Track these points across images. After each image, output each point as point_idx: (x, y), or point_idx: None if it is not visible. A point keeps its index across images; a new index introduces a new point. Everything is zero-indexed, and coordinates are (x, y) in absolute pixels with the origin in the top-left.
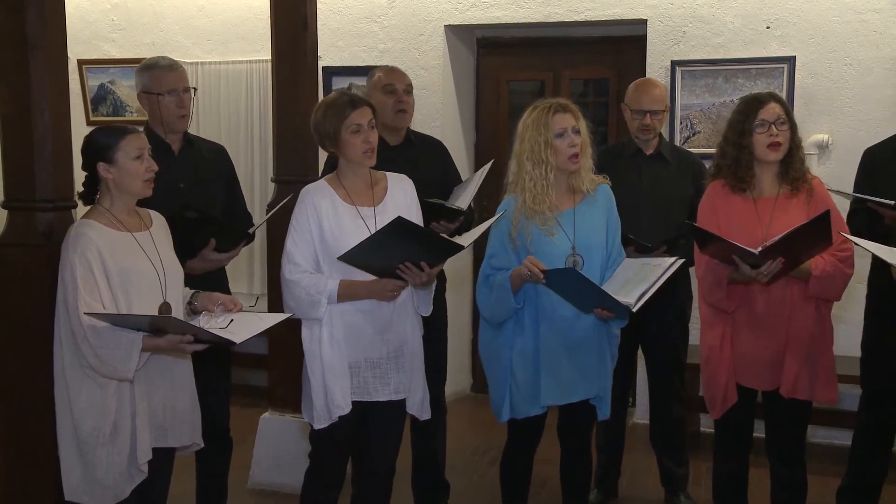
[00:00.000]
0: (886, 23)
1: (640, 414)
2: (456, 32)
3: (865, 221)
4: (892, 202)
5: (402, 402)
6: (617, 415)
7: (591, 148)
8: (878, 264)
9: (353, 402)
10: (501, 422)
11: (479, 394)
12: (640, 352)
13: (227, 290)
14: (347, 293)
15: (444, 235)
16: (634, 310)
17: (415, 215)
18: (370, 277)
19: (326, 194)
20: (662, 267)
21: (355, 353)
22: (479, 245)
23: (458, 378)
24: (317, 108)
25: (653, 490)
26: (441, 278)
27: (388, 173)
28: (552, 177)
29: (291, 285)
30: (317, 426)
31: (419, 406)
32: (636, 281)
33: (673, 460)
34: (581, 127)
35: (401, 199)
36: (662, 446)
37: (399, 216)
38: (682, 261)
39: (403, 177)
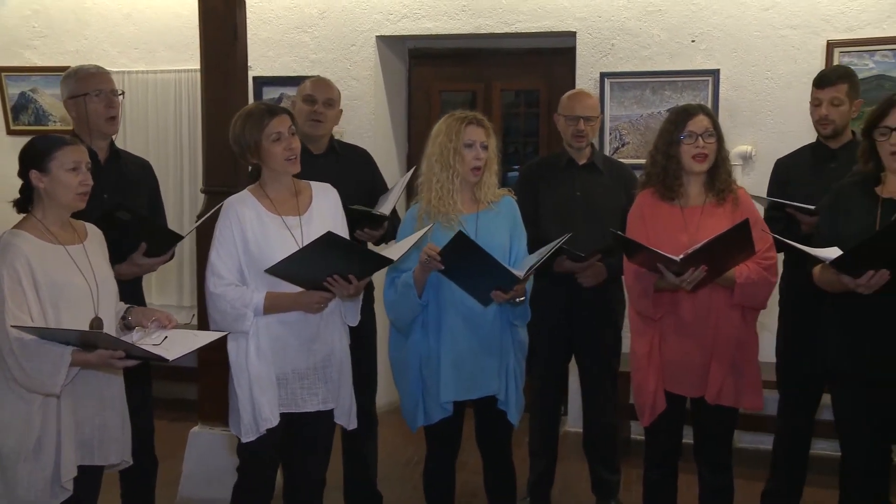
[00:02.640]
0: (804, 38)
1: (573, 422)
2: (387, 43)
3: (783, 228)
4: (812, 207)
5: (330, 413)
6: (550, 422)
7: (497, 166)
8: (787, 273)
9: (282, 414)
10: (414, 429)
11: None
12: (573, 360)
13: (141, 302)
14: (274, 305)
15: (374, 249)
16: (523, 277)
17: (340, 224)
18: (296, 289)
19: (250, 205)
20: (552, 244)
21: (283, 365)
22: None
23: (390, 388)
24: (235, 120)
25: (585, 497)
26: (370, 287)
27: (312, 182)
28: (457, 182)
29: (216, 298)
30: (244, 439)
31: (347, 416)
32: (531, 261)
33: (605, 467)
34: (490, 144)
35: (326, 208)
36: (595, 453)
37: (329, 231)
38: (569, 235)
39: (328, 186)
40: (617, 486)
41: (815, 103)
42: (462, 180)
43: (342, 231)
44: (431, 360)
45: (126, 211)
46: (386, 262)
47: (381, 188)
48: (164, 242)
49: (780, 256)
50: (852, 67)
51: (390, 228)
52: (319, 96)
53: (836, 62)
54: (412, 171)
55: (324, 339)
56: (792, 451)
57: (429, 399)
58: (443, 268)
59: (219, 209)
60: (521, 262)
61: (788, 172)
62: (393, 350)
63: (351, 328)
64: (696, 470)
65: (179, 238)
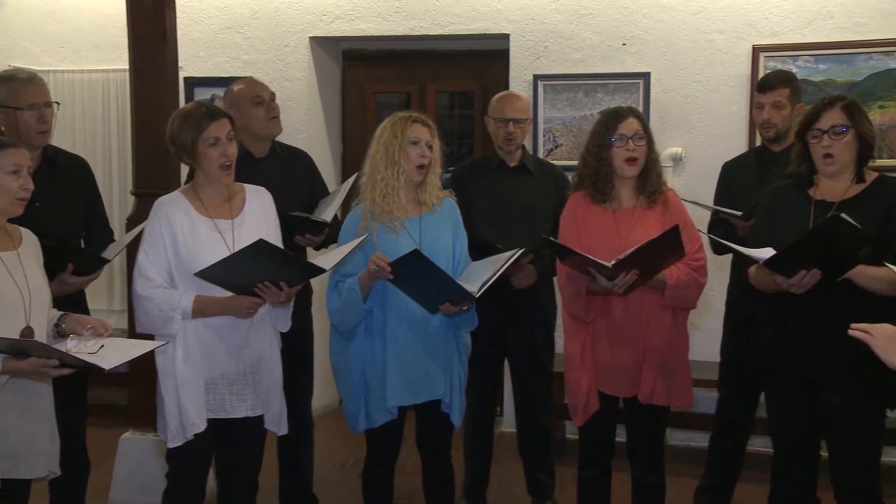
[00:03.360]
0: (730, 43)
1: (508, 423)
2: (321, 44)
3: (723, 233)
4: (740, 213)
5: (259, 419)
6: (485, 424)
7: (440, 168)
8: (734, 273)
9: (210, 420)
10: (357, 432)
11: None
12: (506, 362)
13: (85, 309)
14: (203, 309)
15: (321, 253)
16: (477, 295)
17: (273, 228)
18: (226, 293)
19: (181, 206)
20: (505, 258)
21: (211, 370)
22: None
23: (326, 392)
24: (172, 118)
25: (520, 498)
26: (306, 291)
27: (246, 185)
28: (402, 180)
29: (144, 301)
30: (171, 444)
31: (277, 421)
32: (482, 274)
33: (540, 468)
34: (435, 144)
35: (259, 212)
36: (530, 454)
37: (261, 238)
38: (522, 250)
39: (262, 189)
40: (552, 486)
41: (758, 107)
42: (407, 178)
43: (275, 236)
44: (376, 364)
45: (50, 238)
46: (318, 270)
47: (321, 192)
48: (91, 264)
49: (728, 258)
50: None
51: (331, 234)
52: (265, 94)
53: (761, 66)
54: (354, 177)
55: (253, 344)
56: (730, 448)
57: (372, 402)
58: (392, 278)
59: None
60: (468, 269)
61: (734, 176)
62: (334, 354)
63: (287, 332)
64: (630, 468)
65: (105, 262)
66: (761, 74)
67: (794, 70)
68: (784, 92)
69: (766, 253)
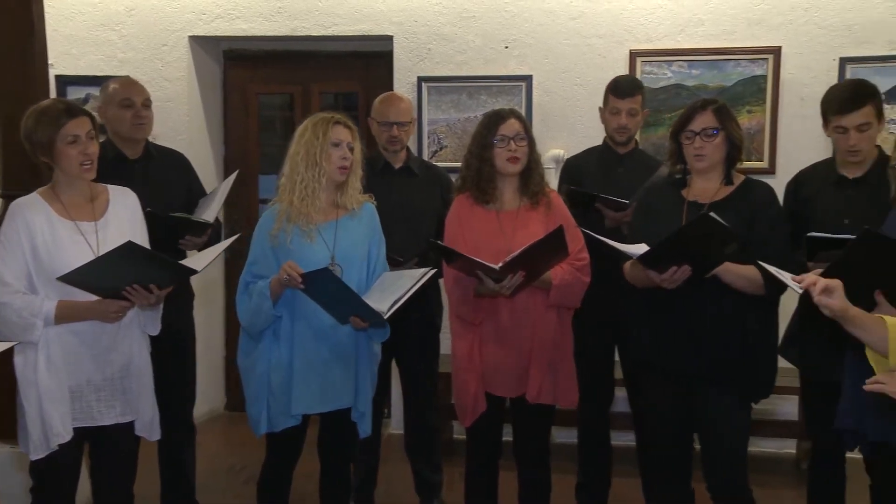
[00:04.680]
0: (609, 47)
1: (396, 424)
2: (201, 43)
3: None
4: (626, 202)
5: (130, 425)
6: (373, 426)
7: (360, 172)
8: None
9: (77, 429)
10: (259, 435)
11: (234, 412)
12: (393, 363)
13: None
14: (67, 314)
15: (182, 262)
16: (386, 317)
17: (139, 230)
18: (90, 296)
19: (40, 209)
20: (415, 277)
21: (76, 376)
22: (233, 258)
23: (210, 396)
24: (28, 114)
25: (408, 498)
26: (188, 292)
27: (109, 186)
28: (324, 181)
29: (1, 307)
30: (33, 457)
31: (148, 427)
32: (392, 290)
33: (428, 468)
34: (356, 147)
35: (123, 213)
36: (417, 455)
37: (129, 241)
38: (434, 271)
39: (126, 190)
40: (439, 485)
41: (614, 112)
42: (328, 179)
43: (141, 237)
44: (282, 369)
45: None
46: (189, 272)
47: (199, 193)
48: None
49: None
50: (653, 76)
51: (214, 234)
52: (137, 98)
53: (638, 71)
54: (234, 175)
55: (121, 349)
56: (594, 441)
57: (275, 407)
58: (303, 288)
59: None
60: (381, 280)
61: (578, 172)
62: (242, 355)
63: (168, 335)
64: (516, 467)
65: None
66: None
67: (669, 75)
68: (638, 99)
69: (640, 249)
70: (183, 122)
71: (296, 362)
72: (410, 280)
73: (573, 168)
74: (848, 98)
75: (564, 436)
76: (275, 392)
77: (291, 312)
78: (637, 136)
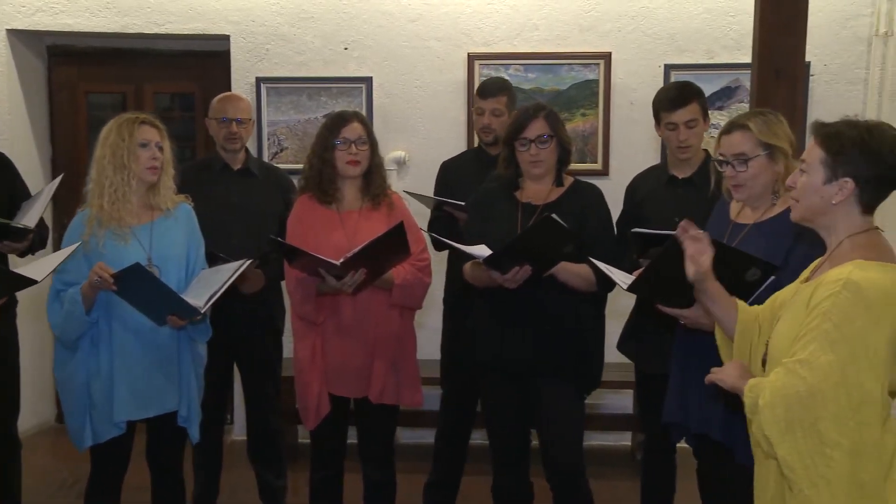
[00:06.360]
0: (447, 50)
1: (238, 430)
2: (21, 38)
3: (445, 227)
4: (462, 203)
5: None
6: (214, 432)
7: (173, 170)
8: (450, 270)
9: None
10: (82, 449)
11: (64, 424)
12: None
13: None
14: None
15: (16, 270)
16: (203, 310)
17: None
18: None
19: None
20: (231, 269)
21: None
22: None
23: (38, 409)
24: None
25: None
26: (12, 302)
27: None
28: (134, 184)
29: None
30: None
31: None
32: (209, 285)
33: (271, 473)
34: (165, 146)
35: None
36: (261, 460)
37: None
38: (249, 262)
39: None
40: (283, 490)
41: (478, 112)
42: (138, 181)
43: None
44: (102, 377)
45: None
46: (27, 282)
47: (22, 195)
48: None
49: (445, 254)
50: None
51: (37, 239)
52: None
53: (476, 73)
54: (59, 178)
55: None
56: (453, 443)
57: (98, 417)
58: (115, 289)
59: None
60: (199, 277)
61: (453, 173)
62: (58, 366)
63: None
64: (361, 468)
65: None
66: (477, 81)
67: (507, 77)
68: (503, 100)
69: (482, 250)
70: (4, 121)
71: (116, 368)
72: (227, 273)
73: (448, 170)
74: (676, 96)
75: (409, 436)
76: (96, 401)
77: (108, 316)
78: None
